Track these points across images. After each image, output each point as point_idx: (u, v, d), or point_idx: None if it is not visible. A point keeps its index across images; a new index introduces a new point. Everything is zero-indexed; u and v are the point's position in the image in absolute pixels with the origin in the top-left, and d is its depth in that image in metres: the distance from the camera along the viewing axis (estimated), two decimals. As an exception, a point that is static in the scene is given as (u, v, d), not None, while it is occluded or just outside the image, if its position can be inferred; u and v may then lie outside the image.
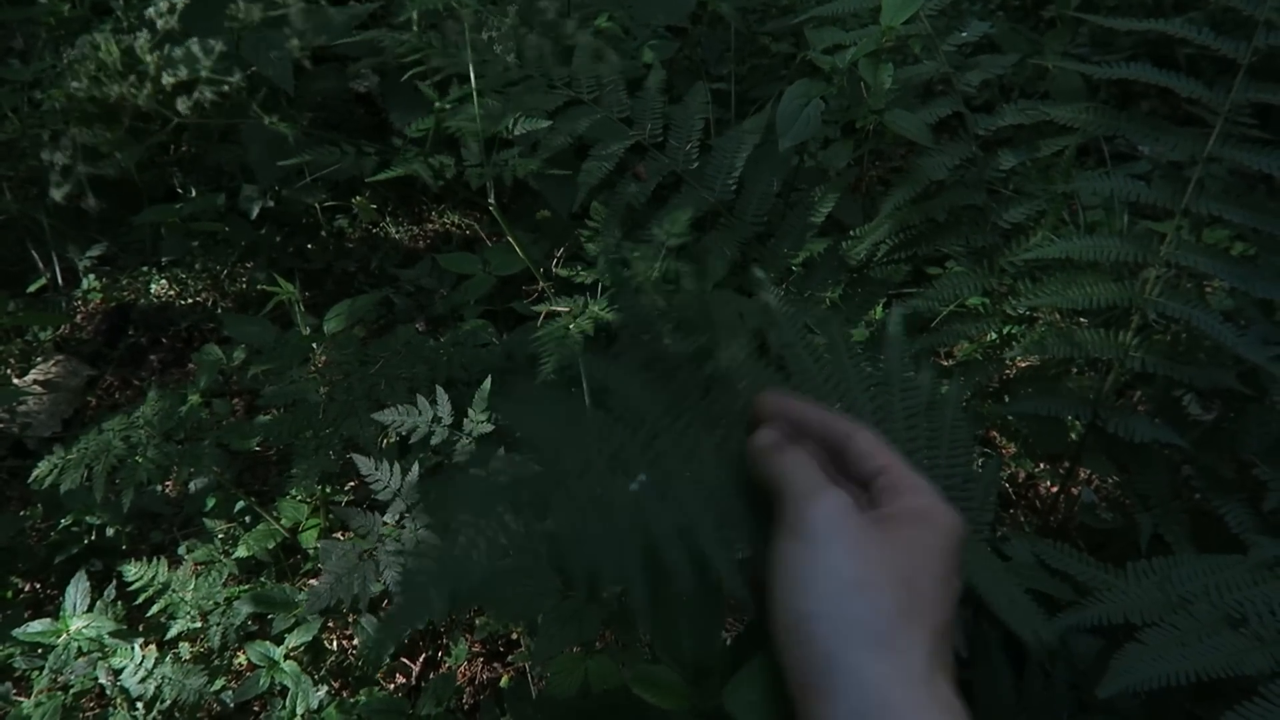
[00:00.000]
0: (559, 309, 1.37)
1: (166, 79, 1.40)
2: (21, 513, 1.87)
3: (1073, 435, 1.42)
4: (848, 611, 0.44)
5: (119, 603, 1.57)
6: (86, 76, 1.46)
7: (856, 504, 0.49)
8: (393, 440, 1.75)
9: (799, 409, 0.55)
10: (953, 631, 0.48)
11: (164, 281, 2.49)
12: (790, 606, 0.46)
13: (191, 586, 1.55)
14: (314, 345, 1.55)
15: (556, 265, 1.60)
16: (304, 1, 1.96)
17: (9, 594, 1.74)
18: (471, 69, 1.30)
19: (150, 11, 1.42)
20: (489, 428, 1.30)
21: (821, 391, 0.68)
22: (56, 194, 1.37)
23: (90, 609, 1.50)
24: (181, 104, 1.44)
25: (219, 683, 1.50)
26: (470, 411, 1.32)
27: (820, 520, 0.47)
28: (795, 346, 0.69)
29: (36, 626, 1.46)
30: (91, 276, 2.47)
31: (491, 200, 1.36)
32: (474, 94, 1.30)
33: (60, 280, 2.44)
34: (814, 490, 0.49)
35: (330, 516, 1.68)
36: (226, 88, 1.43)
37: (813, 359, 0.69)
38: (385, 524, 1.25)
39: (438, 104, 1.34)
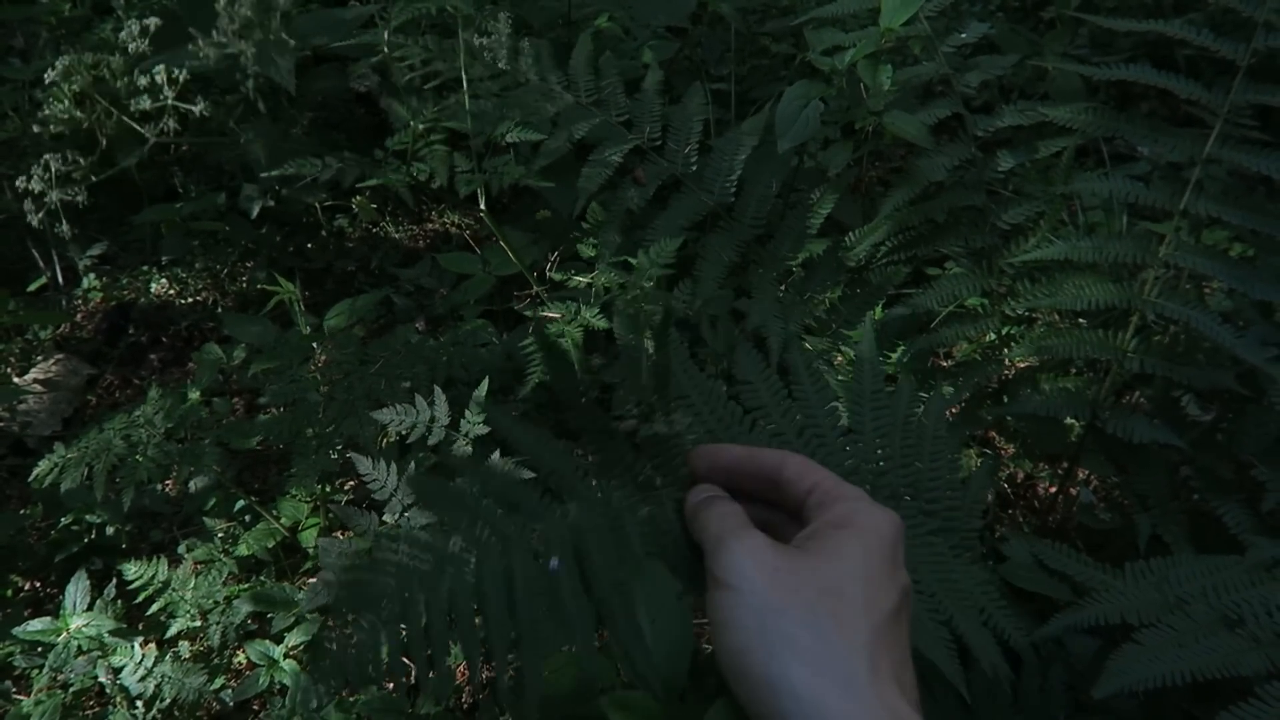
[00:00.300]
0: (551, 315, 1.37)
1: (133, 106, 1.41)
2: (22, 511, 1.87)
3: (1072, 436, 1.42)
4: (774, 636, 0.46)
5: (119, 601, 1.57)
6: (64, 99, 1.46)
7: (782, 535, 0.52)
8: (392, 440, 1.75)
9: (727, 454, 0.57)
10: (905, 628, 0.49)
11: (164, 280, 2.49)
12: (726, 648, 0.47)
13: (191, 585, 1.55)
14: (314, 344, 1.56)
15: (552, 268, 1.60)
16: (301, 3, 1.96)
17: (9, 592, 1.74)
18: (464, 74, 1.30)
19: (123, 34, 1.42)
20: (485, 429, 1.31)
21: (782, 424, 0.68)
22: (33, 219, 1.38)
23: (90, 607, 1.50)
24: (148, 131, 1.45)
25: (218, 681, 1.50)
26: (467, 413, 1.32)
27: (737, 560, 0.49)
28: (754, 383, 0.69)
29: (36, 625, 1.46)
30: (92, 275, 2.47)
31: (483, 206, 1.36)
32: (466, 99, 1.30)
33: (60, 279, 2.45)
34: (731, 533, 0.51)
35: (330, 515, 1.68)
36: (198, 111, 1.44)
37: (771, 393, 0.69)
38: (384, 522, 1.25)
39: (412, 122, 1.34)
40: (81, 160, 1.45)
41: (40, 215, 1.40)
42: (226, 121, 1.63)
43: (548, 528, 0.53)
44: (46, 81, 1.51)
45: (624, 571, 0.52)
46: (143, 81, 1.41)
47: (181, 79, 1.44)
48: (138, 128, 1.45)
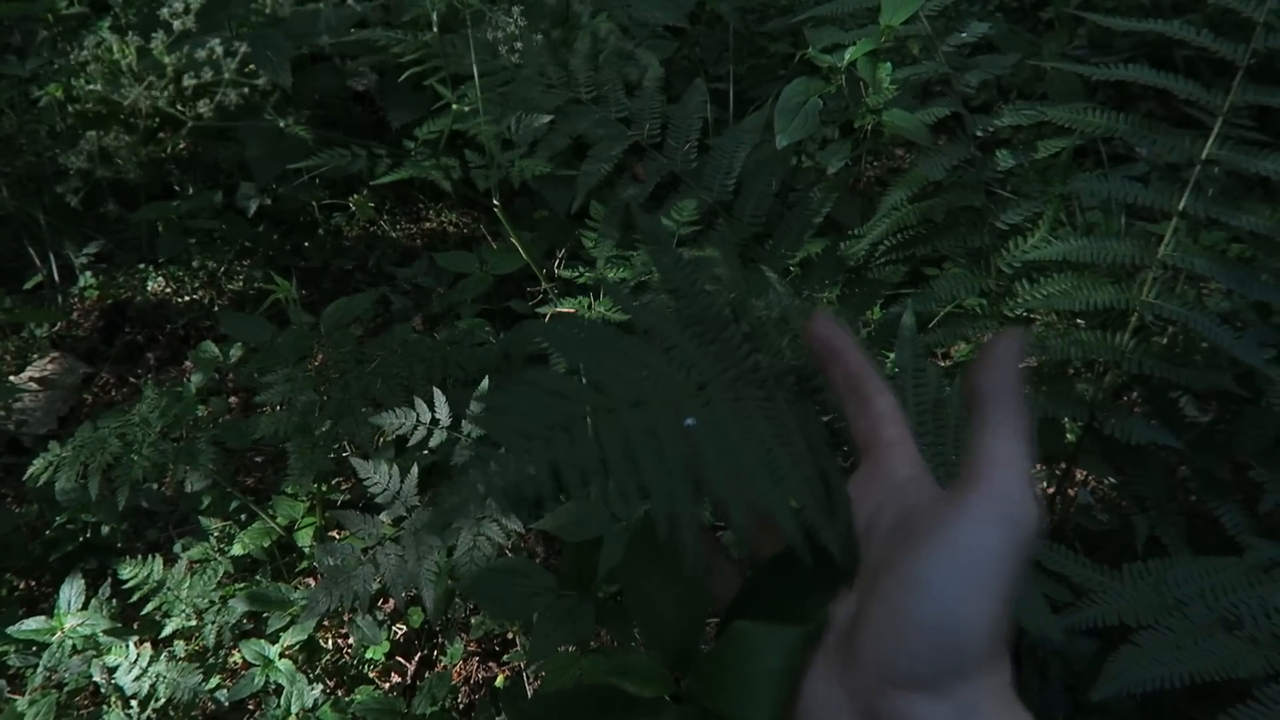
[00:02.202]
0: (565, 309, 1.37)
1: (187, 81, 1.38)
2: (17, 510, 1.87)
3: (1069, 436, 1.42)
4: (983, 578, 0.38)
5: (114, 600, 1.56)
6: (100, 78, 1.44)
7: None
8: (390, 439, 1.74)
9: (847, 345, 0.51)
10: None
11: (161, 279, 2.48)
12: (942, 588, 0.39)
13: (187, 584, 1.54)
14: (311, 343, 1.55)
15: (559, 266, 1.60)
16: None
17: (3, 591, 1.73)
18: (475, 69, 1.29)
19: (164, 12, 1.40)
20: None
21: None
22: (73, 199, 1.36)
23: (85, 607, 1.50)
24: (203, 106, 1.43)
25: (214, 681, 1.50)
26: (469, 412, 1.32)
27: (1012, 507, 0.40)
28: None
29: (31, 624, 1.46)
30: (88, 274, 2.46)
31: (496, 202, 1.35)
32: (478, 95, 1.30)
33: (57, 277, 2.44)
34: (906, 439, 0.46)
35: (326, 515, 1.68)
36: (248, 89, 1.43)
37: None
38: (383, 522, 1.25)
39: (455, 106, 1.33)
40: (127, 137, 1.44)
41: (81, 195, 1.38)
42: (261, 107, 1.62)
43: (680, 391, 0.51)
44: (73, 60, 1.49)
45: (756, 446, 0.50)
46: (201, 54, 1.39)
47: (242, 51, 1.43)
48: (176, 112, 1.43)
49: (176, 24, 1.40)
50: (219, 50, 1.40)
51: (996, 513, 0.39)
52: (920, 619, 0.38)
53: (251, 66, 1.44)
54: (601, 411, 0.47)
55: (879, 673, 0.39)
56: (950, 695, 0.38)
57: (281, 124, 1.44)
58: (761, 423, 0.52)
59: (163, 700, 1.44)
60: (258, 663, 1.44)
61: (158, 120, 1.52)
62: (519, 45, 1.30)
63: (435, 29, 1.28)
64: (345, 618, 1.56)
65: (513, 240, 1.53)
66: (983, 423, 0.42)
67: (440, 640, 1.59)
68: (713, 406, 0.51)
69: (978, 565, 0.38)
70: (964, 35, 1.25)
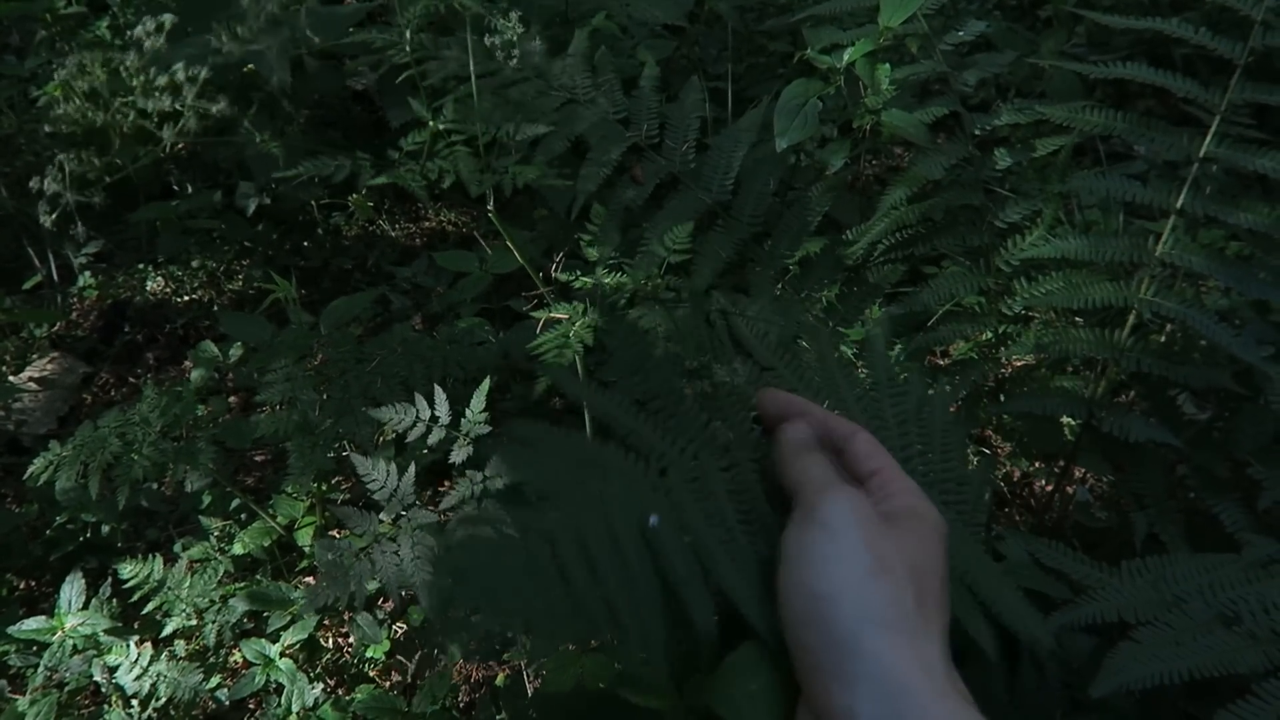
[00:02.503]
0: (558, 315, 1.37)
1: (151, 106, 1.37)
2: (17, 510, 1.87)
3: (1068, 434, 1.42)
4: (866, 596, 0.44)
5: (114, 600, 1.56)
6: (78, 98, 1.44)
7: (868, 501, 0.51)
8: (389, 437, 1.75)
9: (800, 406, 0.57)
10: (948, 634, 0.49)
11: (160, 279, 2.48)
12: (806, 589, 0.46)
13: (187, 584, 1.54)
14: (311, 343, 1.55)
15: (556, 269, 1.60)
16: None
17: (4, 591, 1.73)
18: (473, 74, 1.29)
19: (138, 30, 1.39)
20: (486, 429, 1.30)
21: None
22: (46, 221, 1.35)
23: (85, 606, 1.50)
24: (167, 131, 1.42)
25: (214, 680, 1.50)
26: (468, 411, 1.32)
27: (838, 511, 0.48)
28: (776, 370, 0.69)
29: (31, 624, 1.46)
30: (87, 273, 2.46)
31: (491, 207, 1.36)
32: (474, 98, 1.29)
33: (56, 277, 2.44)
34: (831, 485, 0.50)
35: (326, 514, 1.68)
36: (215, 111, 1.41)
37: (797, 378, 0.69)
38: (382, 521, 1.25)
39: (431, 123, 1.33)
40: (96, 161, 1.43)
41: (54, 217, 1.38)
42: (238, 120, 1.61)
43: (640, 487, 0.53)
44: (56, 79, 1.49)
45: (718, 530, 0.52)
46: (162, 80, 1.38)
47: (201, 78, 1.42)
48: (152, 129, 1.42)
49: (148, 43, 1.39)
50: (181, 75, 1.39)
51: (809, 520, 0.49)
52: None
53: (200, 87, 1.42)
54: (564, 538, 0.48)
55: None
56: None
57: (258, 139, 1.44)
58: (724, 499, 0.54)
59: (163, 699, 1.44)
60: (258, 662, 1.44)
61: (140, 136, 1.50)
62: (516, 51, 1.30)
63: (413, 33, 1.27)
64: (345, 616, 1.56)
65: (518, 239, 1.53)
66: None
67: (441, 638, 1.60)
68: (675, 493, 0.53)
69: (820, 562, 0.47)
70: (961, 34, 1.25)
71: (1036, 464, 1.68)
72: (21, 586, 1.76)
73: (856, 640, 0.43)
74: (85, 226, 2.48)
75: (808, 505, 0.49)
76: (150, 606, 1.53)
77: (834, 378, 0.70)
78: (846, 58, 1.20)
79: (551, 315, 1.32)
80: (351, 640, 1.57)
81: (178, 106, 1.39)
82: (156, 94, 1.39)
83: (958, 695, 0.43)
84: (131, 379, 2.25)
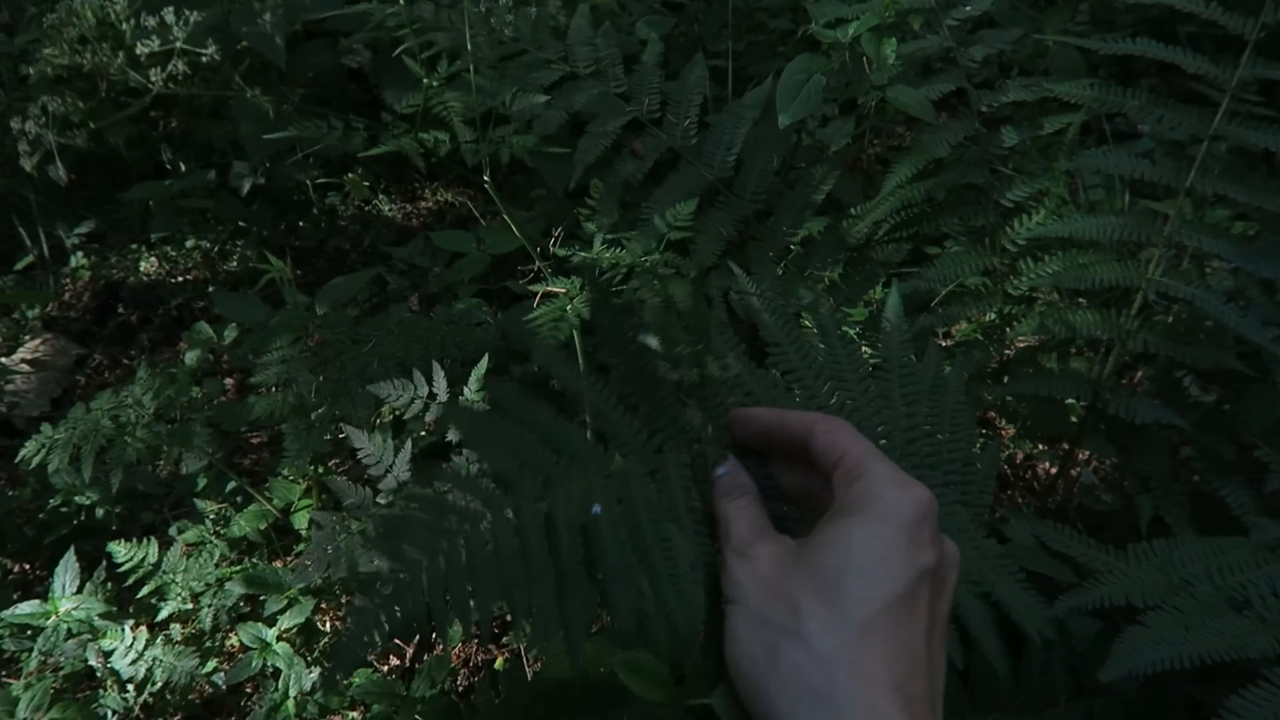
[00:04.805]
0: (555, 289, 1.35)
1: (140, 49, 1.34)
2: (10, 493, 1.86)
3: (1072, 416, 1.41)
4: (757, 648, 0.47)
5: (109, 584, 1.55)
6: (64, 43, 1.40)
7: (821, 501, 0.52)
8: (386, 419, 1.73)
9: (758, 420, 0.57)
10: (919, 612, 0.47)
11: (154, 259, 2.46)
12: (727, 657, 0.49)
13: (182, 567, 1.53)
14: (306, 324, 1.53)
15: (555, 244, 1.58)
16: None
17: (-2, 574, 1.72)
18: (469, 42, 1.27)
19: None
20: (485, 407, 1.29)
21: (814, 388, 0.66)
22: (26, 163, 1.32)
23: (80, 590, 1.48)
24: (155, 75, 1.39)
25: (210, 664, 1.49)
26: (466, 389, 1.31)
27: (737, 577, 0.50)
28: (782, 346, 0.67)
29: (25, 608, 1.45)
30: (80, 254, 2.44)
31: (487, 178, 1.33)
32: (471, 69, 1.27)
33: (48, 257, 2.42)
34: (735, 551, 0.52)
35: (323, 497, 1.67)
36: (204, 59, 1.38)
37: (800, 355, 0.67)
38: (379, 501, 1.24)
39: (425, 81, 1.31)
40: (81, 104, 1.40)
41: (35, 159, 1.34)
42: (229, 80, 1.58)
43: (592, 472, 0.53)
44: (45, 26, 1.46)
45: (667, 525, 0.52)
46: (151, 22, 1.36)
47: (192, 20, 1.39)
48: (139, 78, 1.39)
49: (139, -12, 1.36)
50: (171, 18, 1.36)
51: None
52: None
53: (189, 38, 1.39)
54: (499, 516, 0.50)
55: None
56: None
57: (249, 93, 1.40)
58: (678, 491, 0.54)
59: (159, 684, 1.43)
60: (255, 646, 1.43)
61: (130, 92, 1.47)
62: (510, 18, 1.27)
63: (409, 1, 1.25)
64: (343, 600, 1.55)
65: (515, 219, 1.51)
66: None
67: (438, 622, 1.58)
68: (628, 483, 0.52)
69: None
70: (968, 9, 1.23)
71: (1040, 446, 1.66)
72: (15, 570, 1.75)
73: (762, 694, 0.46)
74: (74, 206, 2.46)
75: (725, 572, 0.52)
76: (145, 590, 1.52)
77: (837, 356, 0.69)
78: (851, 32, 1.18)
79: (548, 289, 1.30)
80: (349, 624, 1.56)
81: (165, 48, 1.36)
82: (146, 37, 1.36)
83: (862, 708, 0.43)
84: (126, 361, 2.24)
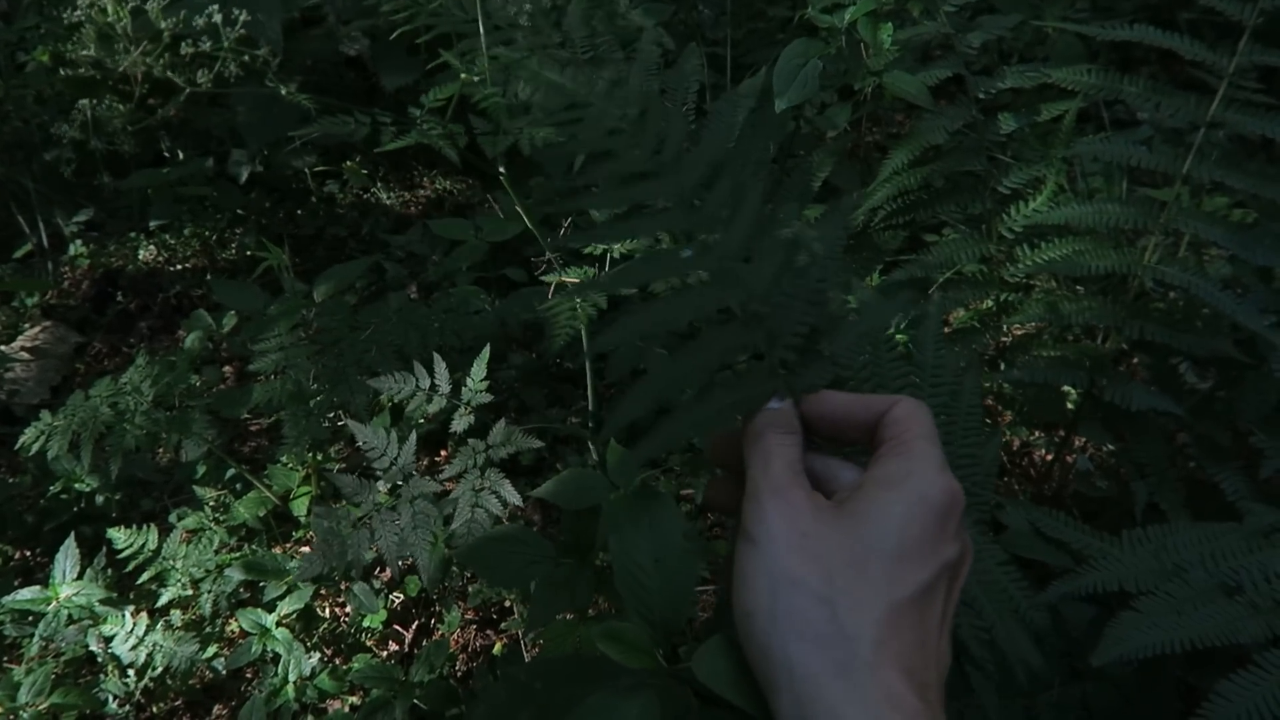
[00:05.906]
0: (570, 279, 1.35)
1: (185, 49, 1.33)
2: (10, 480, 1.86)
3: (1069, 403, 1.41)
4: (784, 607, 0.45)
5: (109, 570, 1.56)
6: (93, 42, 1.39)
7: (822, 493, 0.50)
8: (385, 407, 1.73)
9: (835, 400, 0.53)
10: (937, 604, 0.47)
11: (152, 247, 2.46)
12: (738, 606, 0.47)
13: (182, 554, 1.54)
14: (305, 311, 1.54)
15: (564, 234, 1.58)
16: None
17: (-1, 561, 1.73)
18: (481, 31, 1.26)
19: None
20: (488, 398, 1.29)
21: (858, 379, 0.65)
22: (66, 171, 1.31)
23: (80, 576, 1.49)
24: (202, 76, 1.38)
25: (210, 650, 1.50)
26: (468, 379, 1.31)
27: (769, 518, 0.48)
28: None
29: (26, 594, 1.45)
30: (79, 242, 2.44)
31: (502, 170, 1.33)
32: (485, 61, 1.26)
33: (47, 246, 2.41)
34: (770, 488, 0.49)
35: (322, 484, 1.67)
36: (246, 58, 1.37)
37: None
38: (380, 491, 1.24)
39: (464, 75, 1.29)
40: (122, 107, 1.39)
41: (72, 168, 1.32)
42: (266, 75, 1.56)
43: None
44: (67, 20, 1.44)
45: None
46: (199, 21, 1.34)
47: (241, 20, 1.37)
48: (174, 79, 1.38)
49: (174, -14, 1.35)
50: (218, 17, 1.35)
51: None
52: None
53: (243, 32, 1.38)
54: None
55: None
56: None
57: (283, 90, 1.39)
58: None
59: (160, 669, 1.44)
60: (255, 631, 1.44)
61: (148, 87, 1.46)
62: (528, 7, 1.26)
63: None
64: (342, 586, 1.56)
65: (514, 207, 1.51)
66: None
67: (438, 608, 1.59)
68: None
69: None
70: (966, -5, 1.23)
71: (1037, 433, 1.67)
72: (16, 556, 1.75)
73: (774, 652, 0.45)
74: (73, 194, 2.46)
75: (747, 516, 0.49)
76: (145, 576, 1.53)
77: (880, 358, 0.68)
78: (848, 17, 1.17)
79: (563, 279, 1.30)
80: (348, 610, 1.57)
81: (216, 49, 1.35)
82: (191, 38, 1.34)
83: (879, 696, 0.43)
84: (125, 348, 2.24)
